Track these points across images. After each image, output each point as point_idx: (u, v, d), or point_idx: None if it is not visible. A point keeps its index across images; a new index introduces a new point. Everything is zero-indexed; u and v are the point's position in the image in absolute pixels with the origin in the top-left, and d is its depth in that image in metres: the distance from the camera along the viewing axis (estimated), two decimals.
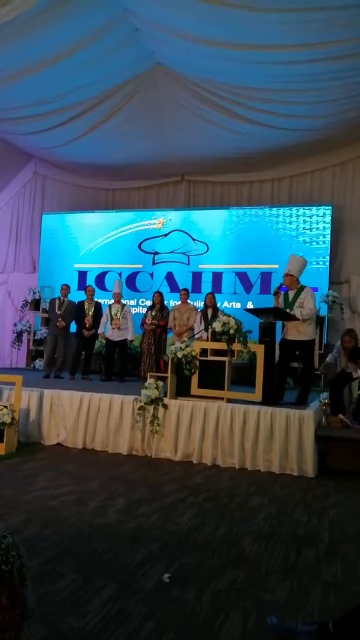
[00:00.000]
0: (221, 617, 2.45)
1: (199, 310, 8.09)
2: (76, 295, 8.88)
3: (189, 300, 8.33)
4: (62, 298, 8.24)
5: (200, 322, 7.69)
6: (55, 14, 6.07)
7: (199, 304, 8.75)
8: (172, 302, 9.06)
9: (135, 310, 9.33)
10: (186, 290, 8.30)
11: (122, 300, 8.23)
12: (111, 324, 7.90)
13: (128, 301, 9.20)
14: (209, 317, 7.55)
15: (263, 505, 4.25)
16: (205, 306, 7.92)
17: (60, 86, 7.62)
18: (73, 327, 8.19)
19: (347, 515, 4.11)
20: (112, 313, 7.96)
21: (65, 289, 8.31)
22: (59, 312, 8.09)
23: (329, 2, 5.41)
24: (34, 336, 10.04)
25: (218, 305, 8.11)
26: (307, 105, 7.56)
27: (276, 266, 8.74)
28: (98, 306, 8.24)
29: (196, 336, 7.31)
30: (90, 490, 4.39)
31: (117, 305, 8.05)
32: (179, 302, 8.28)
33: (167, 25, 6.60)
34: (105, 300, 9.06)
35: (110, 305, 8.11)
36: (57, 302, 8.22)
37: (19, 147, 10.22)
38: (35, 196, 11.08)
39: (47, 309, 8.64)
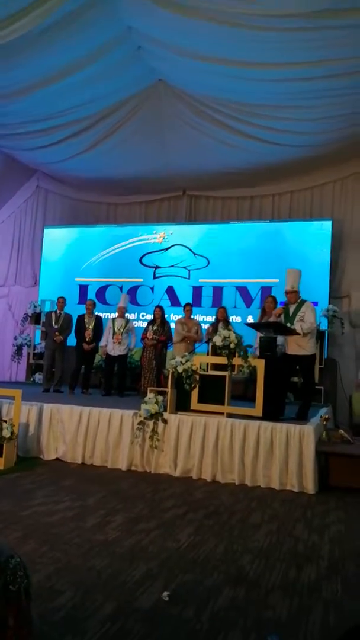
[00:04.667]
0: (221, 636, 2.42)
1: (204, 324, 8.10)
2: (77, 309, 8.89)
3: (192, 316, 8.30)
4: (58, 311, 8.24)
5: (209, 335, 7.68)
6: (59, 32, 6.19)
7: (199, 318, 8.76)
8: (172, 316, 9.07)
9: (135, 324, 9.34)
10: (190, 305, 8.27)
11: (126, 315, 8.20)
12: (112, 338, 7.89)
13: (128, 315, 9.18)
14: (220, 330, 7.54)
15: (263, 521, 4.21)
16: (217, 320, 7.90)
17: (64, 102, 7.73)
18: (73, 341, 8.18)
19: (348, 532, 4.08)
20: (115, 327, 7.93)
21: (62, 301, 8.31)
22: (56, 326, 8.07)
23: (328, 23, 5.51)
24: (34, 350, 10.04)
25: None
26: (307, 122, 7.65)
27: (276, 280, 8.76)
28: (98, 320, 8.23)
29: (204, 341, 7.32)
30: (89, 506, 4.36)
31: (121, 320, 8.00)
32: (184, 317, 8.20)
33: (169, 43, 6.72)
34: (106, 315, 9.07)
35: (113, 319, 8.06)
36: (53, 315, 8.21)
37: (22, 162, 10.33)
38: (38, 210, 11.17)
39: (44, 322, 8.62)
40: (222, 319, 7.83)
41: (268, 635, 2.35)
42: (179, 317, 8.43)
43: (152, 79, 7.85)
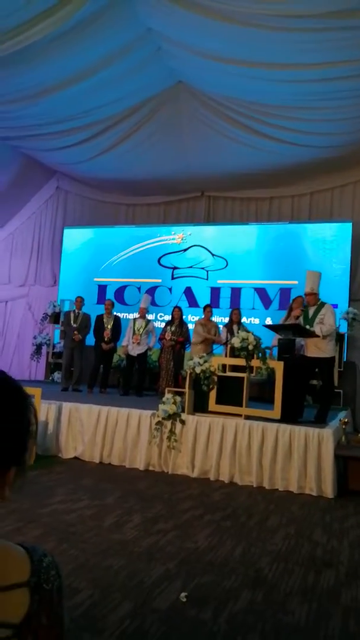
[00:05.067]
0: (239, 639, 2.41)
1: (221, 325, 8.07)
2: (96, 309, 8.95)
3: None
4: (76, 311, 8.32)
5: (227, 335, 7.66)
6: (79, 35, 6.24)
7: (217, 319, 8.72)
8: (190, 316, 9.06)
9: (155, 324, 9.34)
10: (210, 306, 8.21)
11: (147, 316, 8.24)
12: (132, 339, 7.94)
13: (147, 315, 9.18)
14: (235, 332, 7.51)
15: (281, 525, 4.19)
16: (231, 321, 7.87)
17: (84, 104, 7.79)
18: (92, 341, 8.24)
19: None
20: (135, 328, 7.99)
21: (80, 301, 8.39)
22: (74, 325, 8.14)
23: (347, 23, 5.45)
24: (53, 349, 10.13)
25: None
26: (326, 123, 7.59)
27: (295, 282, 8.70)
28: (117, 320, 8.28)
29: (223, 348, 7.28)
30: (107, 505, 4.38)
31: (142, 320, 8.06)
32: (203, 318, 8.11)
33: (188, 45, 6.72)
34: (124, 315, 9.11)
35: (134, 319, 8.13)
36: (72, 315, 8.29)
37: (43, 163, 10.43)
38: (57, 211, 11.27)
39: (63, 322, 8.70)
40: (236, 321, 7.80)
41: None
42: (198, 318, 8.40)
43: (171, 80, 7.86)
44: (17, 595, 0.78)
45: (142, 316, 8.09)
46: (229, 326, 7.80)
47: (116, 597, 2.75)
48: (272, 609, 2.74)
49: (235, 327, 7.59)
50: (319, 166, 8.82)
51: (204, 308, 8.14)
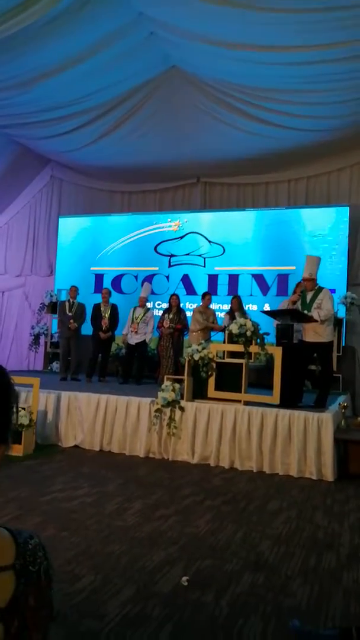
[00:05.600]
0: (240, 622, 2.42)
1: (219, 312, 8.01)
2: (93, 298, 8.91)
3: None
4: (71, 300, 8.29)
5: (229, 321, 7.60)
6: (70, 20, 6.13)
7: (215, 307, 8.68)
8: (188, 304, 9.03)
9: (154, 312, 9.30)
10: (209, 294, 8.10)
11: (147, 304, 8.22)
12: (130, 327, 7.93)
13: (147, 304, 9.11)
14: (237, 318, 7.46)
15: (282, 509, 4.20)
16: (232, 309, 7.82)
17: (77, 90, 7.68)
18: (89, 330, 8.21)
19: None
20: (134, 316, 8.00)
21: (74, 290, 8.36)
22: (70, 314, 8.12)
23: (342, 2, 5.35)
24: (51, 339, 10.10)
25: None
26: (322, 106, 7.50)
27: (293, 268, 8.66)
28: (114, 308, 8.26)
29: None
30: (107, 493, 4.39)
31: (141, 309, 8.07)
32: (202, 305, 8.01)
33: (181, 28, 6.61)
34: (122, 304, 9.06)
35: (134, 308, 8.13)
36: (67, 304, 8.27)
37: (36, 151, 10.32)
38: (52, 199, 11.18)
39: (58, 311, 8.67)
40: (237, 309, 7.75)
41: (289, 621, 2.34)
42: (196, 305, 8.36)
43: (165, 65, 7.75)
44: (2, 579, 0.78)
45: (142, 305, 8.08)
46: (230, 314, 7.75)
47: (118, 582, 2.75)
48: (273, 592, 2.75)
49: (237, 315, 7.53)
50: (315, 150, 8.74)
51: (203, 295, 8.10)
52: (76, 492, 4.34)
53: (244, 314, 7.55)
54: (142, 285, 8.41)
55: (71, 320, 8.06)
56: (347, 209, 8.71)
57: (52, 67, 6.97)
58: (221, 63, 7.06)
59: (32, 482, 4.61)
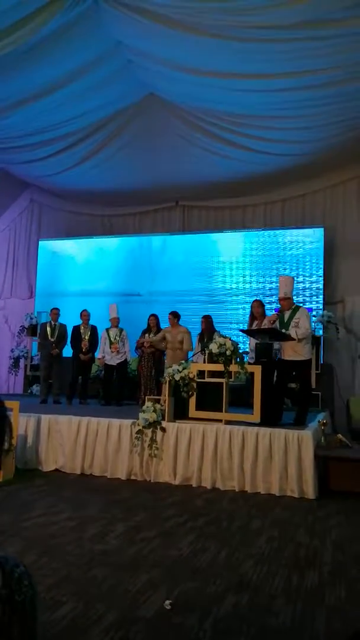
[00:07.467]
0: None
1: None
2: (73, 320, 8.87)
3: (179, 323, 7.85)
4: (52, 322, 8.26)
5: (198, 345, 7.65)
6: (49, 47, 6.26)
7: (193, 326, 8.66)
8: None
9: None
10: (172, 313, 7.80)
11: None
12: (110, 348, 7.91)
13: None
14: (205, 339, 7.47)
15: (264, 528, 4.20)
16: (202, 330, 7.82)
17: (56, 116, 7.79)
18: (69, 352, 8.17)
19: (350, 536, 4.07)
20: (111, 337, 7.99)
21: (56, 312, 8.34)
22: (52, 340, 8.08)
23: (314, 34, 5.57)
24: (31, 362, 10.01)
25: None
26: (297, 131, 7.73)
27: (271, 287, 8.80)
28: (94, 330, 8.24)
29: (194, 358, 7.26)
30: (89, 516, 4.33)
31: (116, 329, 8.08)
32: (169, 326, 7.78)
33: (158, 57, 6.80)
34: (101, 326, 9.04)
35: (107, 330, 8.11)
36: (47, 326, 8.22)
37: (15, 176, 10.37)
38: (32, 223, 11.20)
39: (38, 334, 8.61)
40: (206, 329, 7.56)
41: None
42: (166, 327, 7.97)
43: (143, 92, 7.93)
44: None
45: (115, 325, 8.11)
46: (200, 334, 7.72)
47: (100, 607, 2.72)
48: (257, 612, 2.74)
49: (207, 335, 7.46)
50: (290, 174, 8.97)
51: (169, 317, 7.76)
52: (57, 517, 4.28)
53: (213, 333, 7.24)
54: (109, 307, 8.32)
55: (53, 346, 8.03)
56: (322, 230, 8.92)
57: (32, 93, 7.07)
58: (198, 90, 7.26)
59: (12, 507, 4.53)
